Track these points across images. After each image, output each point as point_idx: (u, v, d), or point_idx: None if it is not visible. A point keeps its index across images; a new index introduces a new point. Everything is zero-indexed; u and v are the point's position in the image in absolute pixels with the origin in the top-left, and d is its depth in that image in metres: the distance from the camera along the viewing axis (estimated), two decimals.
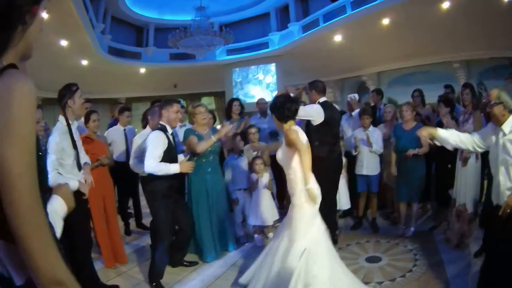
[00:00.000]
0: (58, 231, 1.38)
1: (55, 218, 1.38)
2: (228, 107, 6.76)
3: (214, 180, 4.81)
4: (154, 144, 3.94)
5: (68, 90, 3.62)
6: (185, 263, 4.64)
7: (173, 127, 4.26)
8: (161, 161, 3.91)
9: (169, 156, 4.03)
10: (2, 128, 0.97)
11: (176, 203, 4.21)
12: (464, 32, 9.49)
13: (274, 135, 6.34)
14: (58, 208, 1.45)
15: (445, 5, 8.69)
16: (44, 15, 1.26)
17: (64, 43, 11.16)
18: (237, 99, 6.89)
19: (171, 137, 4.15)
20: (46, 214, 1.13)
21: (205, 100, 20.01)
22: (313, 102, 4.82)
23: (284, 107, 3.38)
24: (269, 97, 15.11)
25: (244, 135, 5.58)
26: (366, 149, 5.42)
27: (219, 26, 14.65)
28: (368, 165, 5.45)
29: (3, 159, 0.96)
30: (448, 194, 5.01)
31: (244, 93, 16.87)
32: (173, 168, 3.97)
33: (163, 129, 4.08)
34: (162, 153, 3.94)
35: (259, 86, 17.17)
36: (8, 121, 0.98)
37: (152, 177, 4.00)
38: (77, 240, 3.45)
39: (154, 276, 4.09)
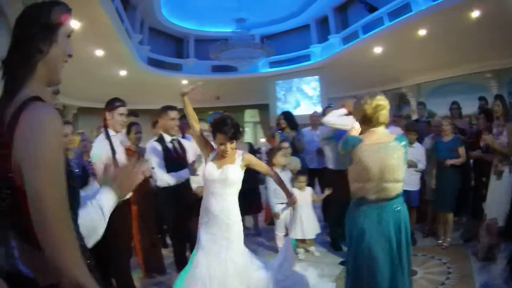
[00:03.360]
0: (99, 233, 1.40)
1: (97, 218, 1.38)
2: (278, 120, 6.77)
3: None
4: (149, 156, 4.04)
5: (111, 104, 3.63)
6: None
7: (171, 135, 4.18)
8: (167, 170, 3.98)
9: (168, 163, 4.03)
10: (34, 161, 1.04)
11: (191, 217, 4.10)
12: (493, 40, 9.35)
13: (321, 153, 5.98)
14: (104, 203, 1.41)
15: (475, 14, 8.63)
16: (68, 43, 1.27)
17: (99, 52, 11.08)
18: (284, 113, 6.81)
19: (170, 145, 4.14)
20: (76, 227, 1.22)
21: (248, 112, 20.15)
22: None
23: None
24: (314, 109, 15.12)
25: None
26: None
27: (260, 38, 14.74)
28: (409, 181, 5.33)
29: (36, 190, 1.03)
30: (481, 208, 4.98)
31: (286, 106, 16.65)
32: (183, 173, 4.03)
33: (159, 139, 4.11)
34: (160, 161, 3.99)
35: (307, 99, 17.18)
36: (39, 155, 1.04)
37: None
38: (116, 246, 3.40)
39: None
